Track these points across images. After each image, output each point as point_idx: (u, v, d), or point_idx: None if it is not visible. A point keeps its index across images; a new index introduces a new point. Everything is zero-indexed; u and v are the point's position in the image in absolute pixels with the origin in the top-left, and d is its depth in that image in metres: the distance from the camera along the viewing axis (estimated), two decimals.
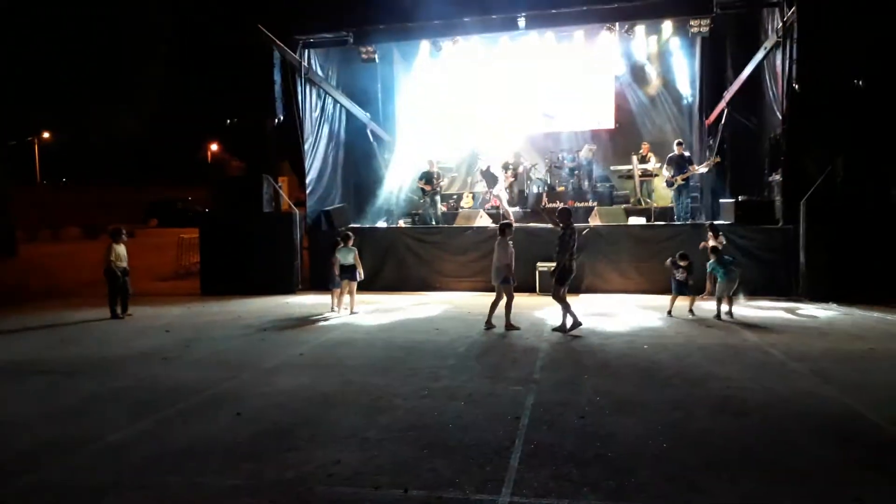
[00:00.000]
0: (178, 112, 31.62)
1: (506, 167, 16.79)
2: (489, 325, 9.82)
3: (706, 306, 10.97)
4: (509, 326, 9.69)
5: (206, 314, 11.85)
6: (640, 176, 16.27)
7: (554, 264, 9.74)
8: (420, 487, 4.34)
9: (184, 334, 9.91)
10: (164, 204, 39.07)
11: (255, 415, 5.92)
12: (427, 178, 16.16)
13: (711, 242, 11.19)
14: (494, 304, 9.89)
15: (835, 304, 11.35)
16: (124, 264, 11.52)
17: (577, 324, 9.45)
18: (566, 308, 9.48)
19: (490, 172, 16.14)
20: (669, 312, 10.69)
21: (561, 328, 9.50)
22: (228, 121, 15.55)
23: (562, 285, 9.47)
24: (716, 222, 12.81)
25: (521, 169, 17.12)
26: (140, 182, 46.70)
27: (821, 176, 11.87)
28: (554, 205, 15.12)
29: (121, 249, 11.54)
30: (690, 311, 10.78)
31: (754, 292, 12.07)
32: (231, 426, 5.65)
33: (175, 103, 29.46)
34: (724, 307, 10.44)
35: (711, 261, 10.57)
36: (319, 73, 15.85)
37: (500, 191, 15.97)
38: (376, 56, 16.11)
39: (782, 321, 10.22)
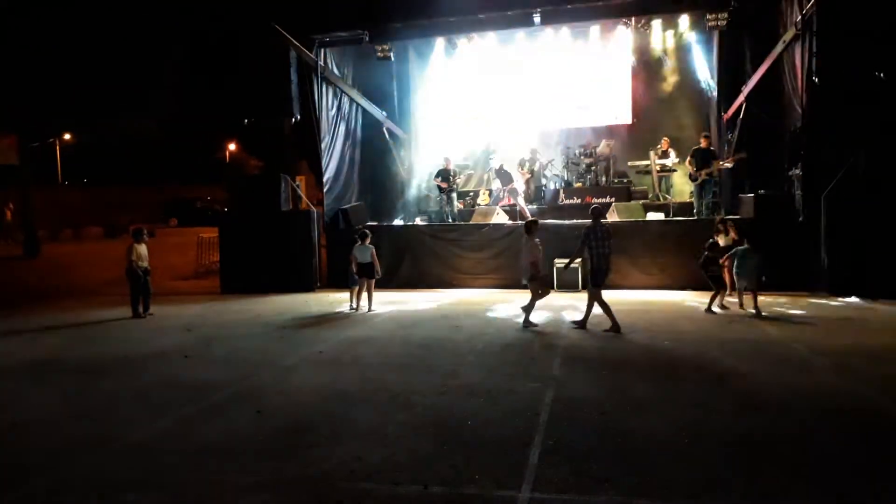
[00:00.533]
0: (196, 111, 31.86)
1: (522, 164, 16.75)
2: (528, 323, 9.74)
3: (729, 302, 10.92)
4: (528, 323, 9.69)
5: (226, 312, 11.96)
6: (659, 171, 16.17)
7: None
8: (440, 484, 4.36)
9: (204, 333, 10.01)
10: (184, 203, 39.32)
11: (276, 412, 5.97)
12: (443, 175, 16.17)
13: (721, 240, 11.10)
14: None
15: (857, 298, 11.22)
16: (145, 264, 11.65)
17: (616, 327, 9.17)
18: (601, 307, 9.31)
19: (503, 171, 16.11)
20: (710, 310, 10.46)
21: (581, 324, 9.48)
22: (246, 120, 15.63)
23: (598, 286, 9.40)
24: (729, 217, 12.70)
25: (537, 166, 17.09)
26: (159, 181, 47.11)
27: (841, 169, 11.72)
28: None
29: (142, 249, 11.66)
30: (722, 306, 10.67)
31: (775, 287, 11.95)
32: (251, 424, 5.70)
33: (193, 103, 29.68)
34: (748, 301, 10.31)
35: (741, 248, 10.37)
36: (335, 71, 15.91)
37: (518, 186, 15.93)
38: (392, 54, 16.10)
39: (804, 316, 10.12)
